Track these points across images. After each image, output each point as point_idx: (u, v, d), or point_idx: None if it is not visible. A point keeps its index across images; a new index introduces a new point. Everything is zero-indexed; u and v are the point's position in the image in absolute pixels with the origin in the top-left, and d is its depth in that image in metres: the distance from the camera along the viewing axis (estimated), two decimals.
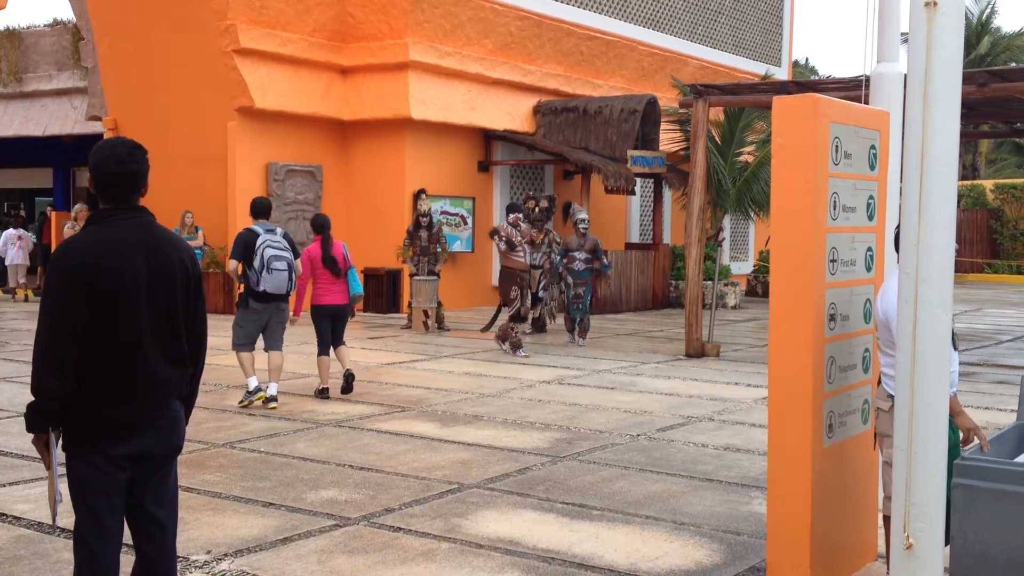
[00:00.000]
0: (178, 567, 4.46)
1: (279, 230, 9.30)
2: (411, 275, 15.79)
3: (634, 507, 6.28)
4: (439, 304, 15.81)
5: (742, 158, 16.27)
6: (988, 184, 36.05)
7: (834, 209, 4.77)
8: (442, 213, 19.07)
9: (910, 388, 3.71)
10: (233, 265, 9.19)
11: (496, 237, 13.43)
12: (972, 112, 14.09)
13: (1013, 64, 35.95)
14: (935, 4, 3.57)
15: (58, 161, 26.51)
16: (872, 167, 5.12)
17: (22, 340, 13.96)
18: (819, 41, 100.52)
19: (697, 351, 13.40)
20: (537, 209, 14.65)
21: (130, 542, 3.73)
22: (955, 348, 4.50)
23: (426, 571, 5.10)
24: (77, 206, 19.46)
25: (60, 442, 3.56)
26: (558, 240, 14.77)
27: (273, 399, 9.30)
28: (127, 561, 3.78)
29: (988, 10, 41.03)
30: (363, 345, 13.99)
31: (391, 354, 13.17)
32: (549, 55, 21.63)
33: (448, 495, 6.49)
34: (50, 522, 5.07)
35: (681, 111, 16.34)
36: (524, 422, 8.87)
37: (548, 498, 6.45)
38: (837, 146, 4.76)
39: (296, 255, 9.32)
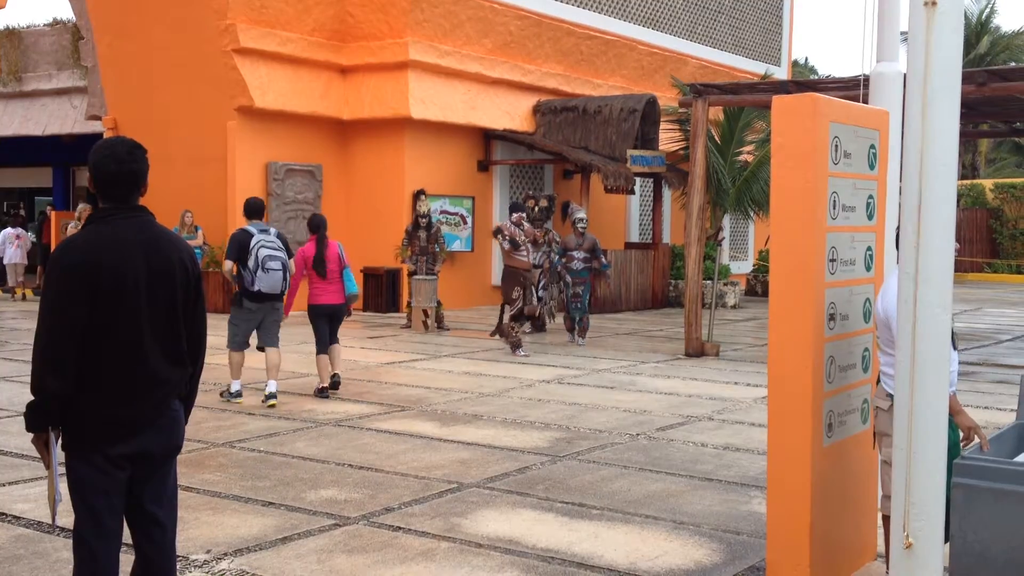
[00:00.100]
0: (178, 566, 4.46)
1: (273, 230, 9.38)
2: (410, 274, 15.82)
3: (633, 506, 6.28)
4: (438, 304, 15.82)
5: (742, 157, 16.28)
6: (988, 183, 36.06)
7: (834, 208, 4.77)
8: (442, 212, 19.08)
9: (910, 388, 3.71)
10: (228, 265, 9.25)
11: (499, 236, 13.44)
12: (972, 112, 14.09)
13: (1012, 63, 35.95)
14: (934, 4, 3.57)
15: (58, 161, 26.51)
16: (872, 166, 5.12)
17: (21, 339, 13.96)
18: (819, 41, 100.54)
19: (697, 350, 13.40)
20: (537, 208, 14.66)
21: (130, 541, 3.73)
22: (955, 348, 4.50)
23: (425, 570, 5.10)
24: (81, 205, 19.48)
25: (60, 441, 3.56)
26: (557, 239, 14.78)
27: (272, 396, 9.33)
28: (127, 560, 3.78)
29: (987, 9, 41.04)
30: (363, 344, 13.99)
31: (391, 353, 13.17)
32: (549, 54, 21.63)
33: (448, 494, 6.49)
34: (50, 521, 5.07)
35: (681, 110, 16.35)
36: (524, 421, 8.87)
37: (548, 497, 6.45)
38: (837, 145, 4.76)
39: (290, 254, 9.39)
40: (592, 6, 22.44)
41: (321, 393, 9.87)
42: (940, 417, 3.72)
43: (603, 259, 14.70)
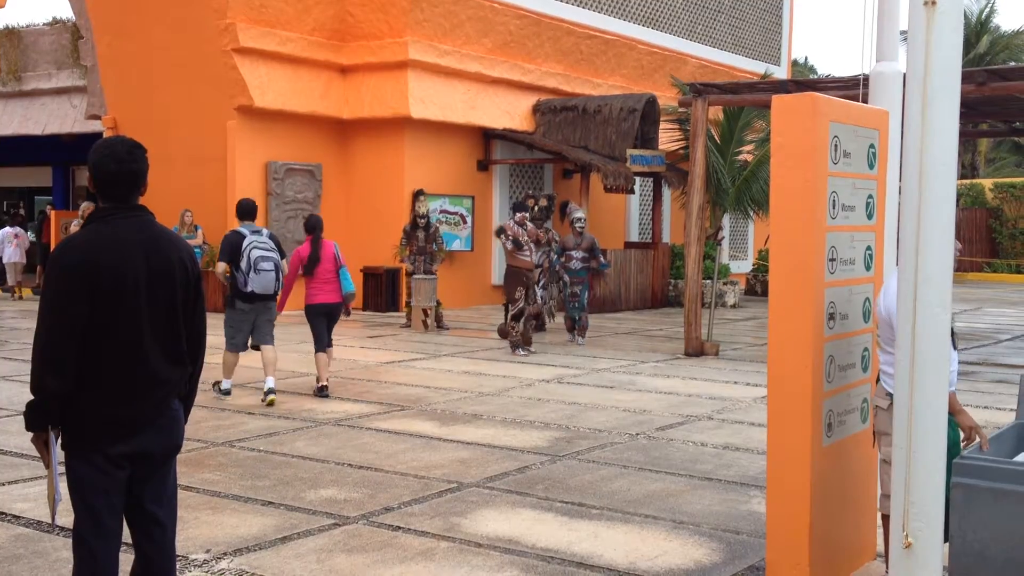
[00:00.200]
0: (177, 566, 4.47)
1: (265, 231, 9.49)
2: (408, 273, 15.84)
3: (633, 506, 6.28)
4: (437, 303, 15.83)
5: (741, 157, 16.27)
6: (987, 183, 36.06)
7: (833, 208, 4.77)
8: (441, 212, 19.08)
9: (909, 387, 3.71)
10: (221, 267, 9.33)
11: (502, 236, 13.45)
12: (971, 111, 14.09)
13: (1012, 63, 35.95)
14: (934, 3, 3.57)
15: (57, 160, 26.51)
16: (871, 166, 5.13)
17: (21, 339, 13.95)
18: (818, 40, 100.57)
19: (696, 350, 13.40)
20: (536, 208, 14.67)
21: (129, 541, 3.73)
22: (955, 348, 4.50)
23: (425, 570, 5.10)
24: (84, 204, 19.48)
25: (59, 441, 3.56)
26: (556, 239, 14.78)
27: (271, 391, 9.39)
28: (126, 560, 3.78)
29: (987, 9, 41.06)
30: (362, 344, 13.99)
31: (390, 353, 13.17)
32: (548, 54, 21.63)
33: (447, 494, 6.49)
34: (49, 521, 5.07)
35: (680, 110, 16.34)
36: (523, 421, 8.87)
37: (547, 497, 6.45)
38: (836, 145, 4.76)
39: (283, 255, 9.50)
40: (592, 5, 22.44)
41: (320, 392, 9.88)
42: (940, 416, 3.72)
43: (602, 258, 14.70)
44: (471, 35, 19.81)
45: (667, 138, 19.22)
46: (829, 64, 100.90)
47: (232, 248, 9.24)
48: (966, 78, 10.64)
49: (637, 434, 8.41)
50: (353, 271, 17.79)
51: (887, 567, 4.10)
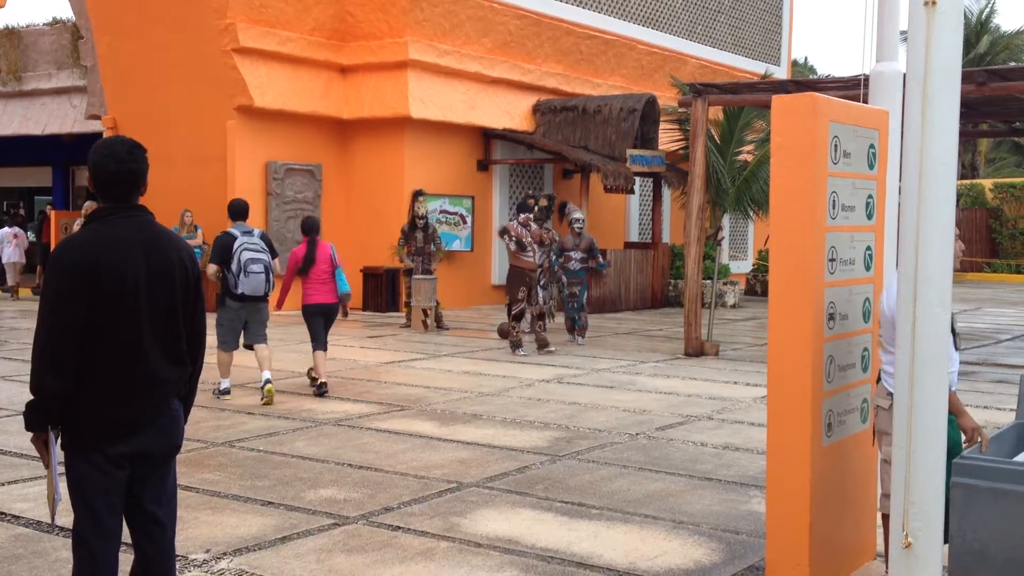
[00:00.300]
0: (177, 566, 4.46)
1: (257, 231, 9.60)
2: (404, 272, 15.86)
3: (633, 506, 6.28)
4: (436, 303, 15.82)
5: (741, 157, 16.27)
6: (987, 183, 36.07)
7: (833, 208, 4.77)
8: (441, 212, 19.08)
9: (909, 387, 3.71)
10: (212, 269, 9.40)
11: (506, 237, 13.45)
12: (971, 111, 14.09)
13: (1012, 63, 35.96)
14: (934, 3, 3.57)
15: (57, 160, 26.50)
16: (871, 166, 5.13)
17: (21, 339, 13.95)
18: (818, 40, 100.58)
19: (696, 350, 13.40)
20: (536, 208, 14.65)
21: (129, 541, 3.73)
22: (956, 348, 4.50)
23: (425, 570, 5.10)
24: (87, 203, 19.48)
25: (59, 441, 3.56)
26: (556, 239, 14.77)
27: (268, 382, 9.48)
28: (126, 560, 3.78)
29: (987, 9, 41.05)
30: (362, 344, 13.99)
31: (390, 353, 13.17)
32: (548, 54, 21.63)
33: (447, 494, 6.49)
34: (49, 521, 5.06)
35: (680, 110, 16.34)
36: (523, 421, 8.87)
37: (547, 497, 6.45)
38: (836, 145, 4.76)
39: (274, 255, 9.61)
40: (591, 5, 22.44)
41: (318, 388, 9.90)
42: (939, 416, 3.72)
43: (600, 259, 14.69)
44: (471, 35, 19.81)
45: (667, 138, 19.22)
46: (829, 64, 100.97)
47: (223, 249, 9.37)
48: (966, 78, 10.64)
49: (637, 434, 8.41)
50: (353, 271, 17.84)
51: (887, 567, 4.10)
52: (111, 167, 3.58)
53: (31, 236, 23.40)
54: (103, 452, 3.53)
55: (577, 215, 14.64)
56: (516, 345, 13.12)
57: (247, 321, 9.63)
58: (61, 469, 3.58)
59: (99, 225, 3.57)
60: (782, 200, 4.72)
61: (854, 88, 9.89)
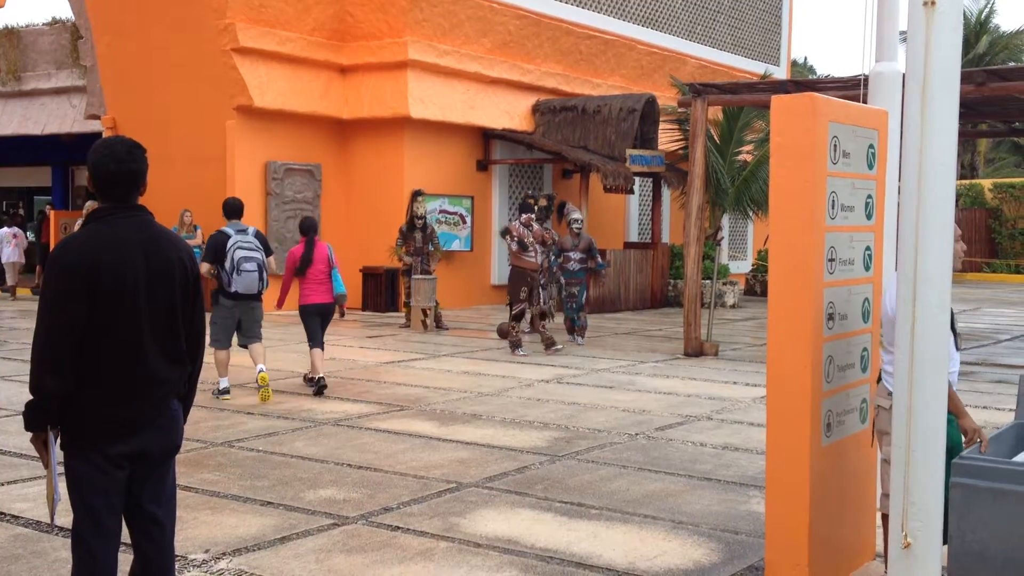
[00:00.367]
0: (176, 566, 4.46)
1: (251, 229, 9.66)
2: (404, 272, 15.86)
3: (632, 506, 6.28)
4: (436, 303, 15.82)
5: (741, 157, 16.28)
6: (986, 183, 36.08)
7: (832, 208, 4.77)
8: (441, 212, 19.08)
9: (908, 387, 3.71)
10: (206, 268, 9.45)
11: (508, 237, 13.46)
12: (970, 111, 14.09)
13: (1011, 63, 35.96)
14: (933, 3, 3.57)
15: (57, 160, 26.50)
16: (870, 166, 5.13)
17: (20, 339, 13.95)
18: (818, 40, 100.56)
19: (695, 350, 13.40)
20: (536, 208, 14.64)
21: (128, 541, 3.73)
22: (957, 348, 4.50)
23: (424, 570, 5.10)
24: (87, 203, 19.46)
25: (58, 441, 3.56)
26: (555, 239, 14.77)
27: (262, 370, 9.53)
28: (125, 560, 3.78)
29: (987, 9, 41.06)
30: (361, 344, 13.99)
31: (390, 353, 13.17)
32: (548, 54, 21.63)
33: (446, 494, 6.49)
34: (48, 521, 5.07)
35: (680, 110, 16.33)
36: (523, 421, 8.87)
37: (546, 497, 6.45)
38: (835, 145, 4.76)
39: (268, 252, 9.65)
40: (591, 5, 22.43)
41: (316, 385, 9.91)
42: (939, 417, 3.72)
43: (599, 259, 14.69)
44: (470, 35, 19.81)
45: (666, 138, 19.21)
46: (829, 64, 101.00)
47: (216, 248, 9.43)
48: (965, 78, 10.64)
49: (636, 434, 8.41)
50: (352, 271, 17.84)
51: (886, 567, 4.10)
52: (111, 167, 3.58)
53: (30, 236, 23.39)
54: (102, 452, 3.52)
55: (576, 215, 14.64)
56: (515, 345, 13.12)
57: (241, 320, 9.67)
58: (60, 469, 3.58)
59: (98, 225, 3.57)
60: (781, 200, 4.72)
61: (854, 88, 9.89)
